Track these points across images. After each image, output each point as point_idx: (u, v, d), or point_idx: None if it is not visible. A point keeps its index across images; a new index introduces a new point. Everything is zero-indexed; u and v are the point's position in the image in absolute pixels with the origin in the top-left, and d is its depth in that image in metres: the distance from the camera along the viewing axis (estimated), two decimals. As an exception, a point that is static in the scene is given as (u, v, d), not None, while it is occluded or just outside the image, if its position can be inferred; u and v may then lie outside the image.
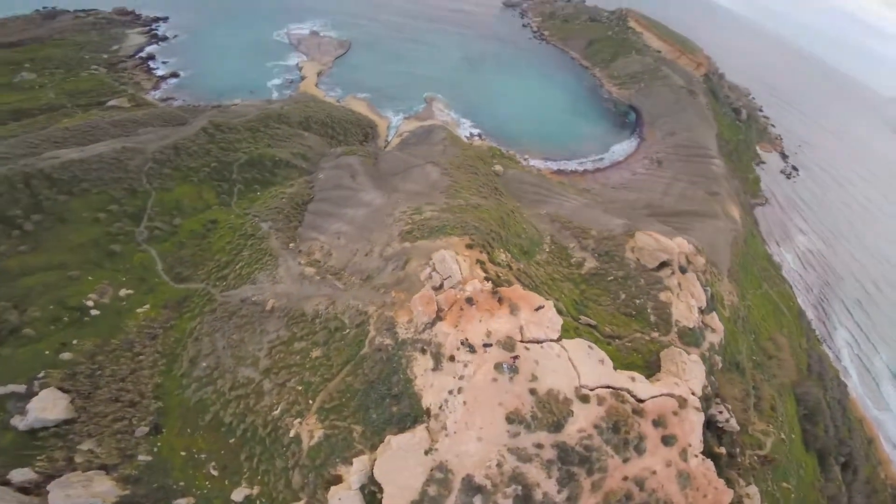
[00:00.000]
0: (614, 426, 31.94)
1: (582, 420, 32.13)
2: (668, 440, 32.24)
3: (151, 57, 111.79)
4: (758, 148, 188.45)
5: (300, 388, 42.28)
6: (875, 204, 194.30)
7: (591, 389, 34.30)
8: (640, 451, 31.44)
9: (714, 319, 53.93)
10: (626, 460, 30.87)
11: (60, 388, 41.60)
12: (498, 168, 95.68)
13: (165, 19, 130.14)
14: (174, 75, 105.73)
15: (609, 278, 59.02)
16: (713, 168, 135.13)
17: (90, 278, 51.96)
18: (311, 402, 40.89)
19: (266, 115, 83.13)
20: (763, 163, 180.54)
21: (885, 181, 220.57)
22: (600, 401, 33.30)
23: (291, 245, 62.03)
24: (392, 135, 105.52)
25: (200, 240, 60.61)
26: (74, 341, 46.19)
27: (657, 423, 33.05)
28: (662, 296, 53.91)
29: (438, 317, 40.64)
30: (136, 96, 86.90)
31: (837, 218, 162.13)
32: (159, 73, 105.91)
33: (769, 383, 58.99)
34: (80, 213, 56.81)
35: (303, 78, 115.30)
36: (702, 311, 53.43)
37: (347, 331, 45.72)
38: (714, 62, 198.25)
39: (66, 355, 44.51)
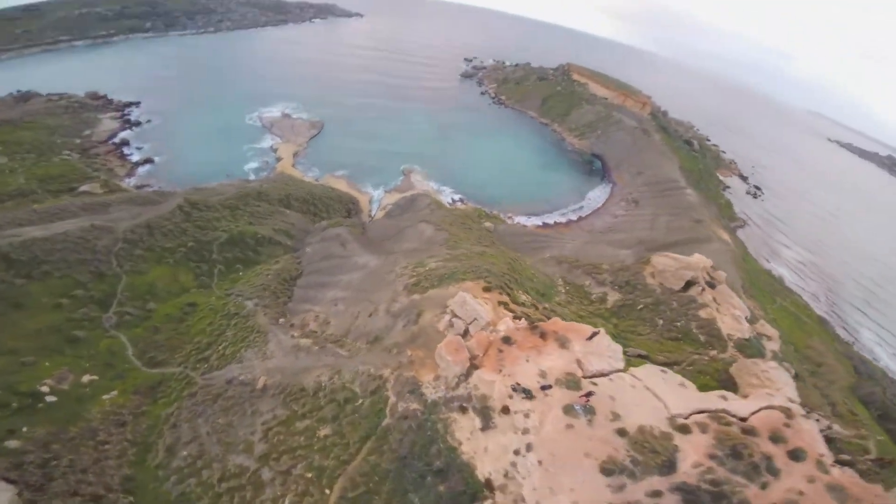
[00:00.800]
0: (733, 452, 25.03)
1: (693, 453, 25.10)
2: (796, 455, 25.35)
3: (125, 143, 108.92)
4: (717, 174, 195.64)
5: (310, 474, 33.90)
6: (839, 207, 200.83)
7: (686, 417, 27.55)
8: (773, 472, 24.38)
9: (765, 327, 48.77)
10: (764, 486, 23.71)
11: (5, 479, 33.41)
12: (488, 225, 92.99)
13: (137, 104, 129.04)
14: (148, 161, 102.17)
15: (639, 307, 53.90)
16: (688, 198, 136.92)
17: (47, 364, 43.63)
18: (327, 490, 32.33)
19: (245, 194, 78.90)
20: (728, 187, 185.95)
21: (837, 184, 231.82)
22: (702, 428, 26.51)
23: (281, 320, 55.38)
24: (375, 209, 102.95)
25: (177, 323, 52.97)
26: (24, 428, 37.59)
27: (775, 440, 26.24)
28: (703, 313, 48.76)
29: (473, 365, 33.82)
30: (108, 182, 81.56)
31: (813, 227, 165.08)
32: (133, 158, 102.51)
33: (831, 388, 52.66)
34: (38, 299, 49.13)
35: (279, 159, 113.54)
36: (749, 321, 48.02)
37: (360, 401, 38.37)
38: (655, 102, 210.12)
39: (12, 443, 36.08)
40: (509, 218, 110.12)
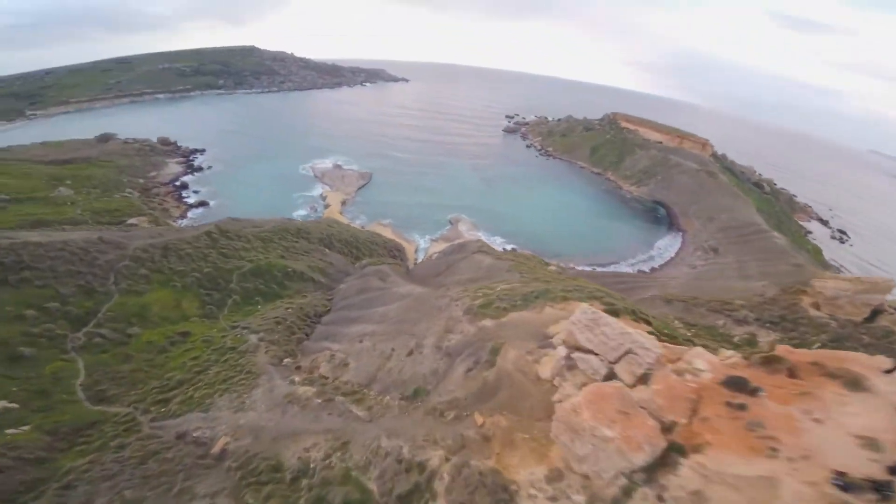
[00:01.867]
0: None
1: None
2: None
3: (185, 186, 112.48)
4: (795, 219, 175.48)
5: None
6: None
7: None
8: None
9: None
10: None
11: None
12: (553, 267, 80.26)
13: (202, 151, 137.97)
14: (203, 204, 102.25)
15: (814, 346, 38.93)
16: (776, 241, 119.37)
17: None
18: None
19: (283, 228, 71.18)
20: (809, 232, 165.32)
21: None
22: None
23: (287, 360, 41.20)
24: (421, 257, 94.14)
25: (156, 354, 41.92)
26: None
27: None
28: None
29: (672, 444, 17.52)
30: (158, 219, 78.61)
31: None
32: (189, 200, 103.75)
33: None
34: (2, 307, 40.66)
35: (327, 206, 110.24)
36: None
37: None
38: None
39: None
40: (571, 268, 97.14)
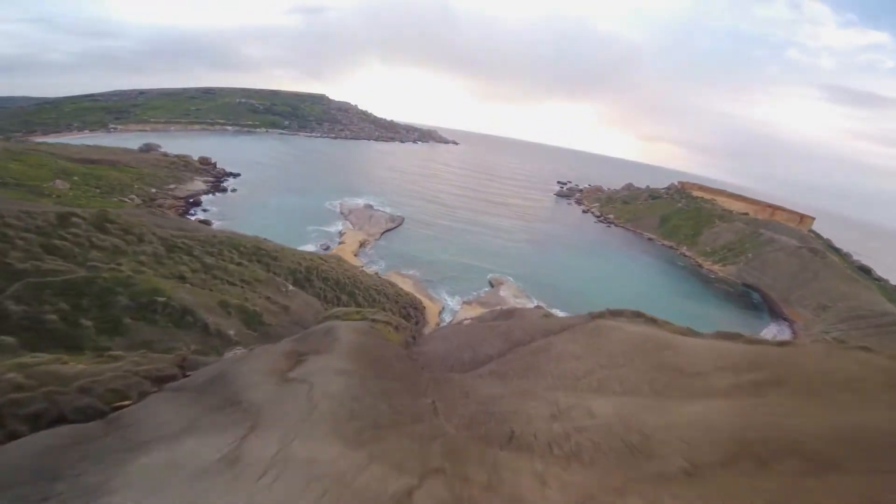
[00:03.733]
0: None
1: None
2: None
3: (198, 203, 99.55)
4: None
5: None
6: None
7: None
8: None
9: None
10: None
11: None
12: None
13: (237, 175, 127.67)
14: (204, 223, 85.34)
15: None
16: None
17: None
18: None
19: (235, 243, 45.53)
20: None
21: None
22: None
23: None
24: (446, 322, 66.78)
25: None
26: None
27: None
28: None
29: None
30: None
31: None
32: (192, 217, 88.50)
33: None
34: None
35: (341, 243, 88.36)
36: None
37: None
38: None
39: None
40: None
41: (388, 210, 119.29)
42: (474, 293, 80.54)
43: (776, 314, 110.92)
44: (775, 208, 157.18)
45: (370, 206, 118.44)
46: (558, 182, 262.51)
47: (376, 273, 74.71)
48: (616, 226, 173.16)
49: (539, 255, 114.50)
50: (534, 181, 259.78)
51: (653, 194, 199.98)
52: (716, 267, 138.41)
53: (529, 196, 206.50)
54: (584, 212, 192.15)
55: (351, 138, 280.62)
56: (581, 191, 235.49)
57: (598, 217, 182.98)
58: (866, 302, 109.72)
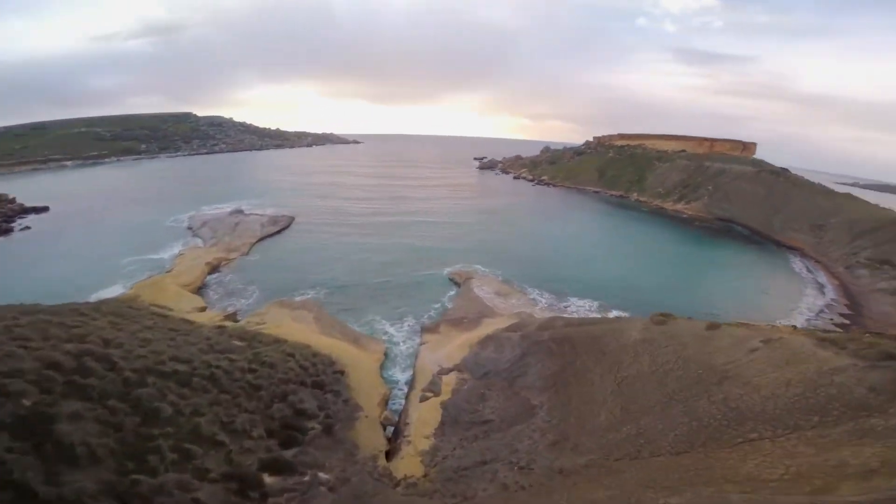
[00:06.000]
0: None
1: None
2: None
3: None
4: None
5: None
6: None
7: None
8: None
9: None
10: None
11: None
12: None
13: (45, 209, 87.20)
14: None
15: None
16: None
17: None
18: None
19: None
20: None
21: None
22: None
23: None
24: (406, 386, 29.78)
25: None
26: None
27: None
28: None
29: None
30: None
31: None
32: None
33: None
34: None
35: (168, 272, 47.69)
36: None
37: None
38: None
39: None
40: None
41: (267, 212, 77.88)
42: (434, 307, 44.76)
43: (777, 245, 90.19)
44: (713, 141, 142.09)
45: (239, 212, 76.04)
46: (475, 158, 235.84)
47: (232, 316, 35.87)
48: (555, 186, 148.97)
49: (498, 230, 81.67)
50: (450, 162, 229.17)
51: (577, 151, 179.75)
52: (680, 206, 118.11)
53: (453, 174, 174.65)
54: (514, 178, 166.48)
55: (228, 151, 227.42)
56: (501, 162, 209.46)
57: (532, 181, 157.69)
58: (862, 212, 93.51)
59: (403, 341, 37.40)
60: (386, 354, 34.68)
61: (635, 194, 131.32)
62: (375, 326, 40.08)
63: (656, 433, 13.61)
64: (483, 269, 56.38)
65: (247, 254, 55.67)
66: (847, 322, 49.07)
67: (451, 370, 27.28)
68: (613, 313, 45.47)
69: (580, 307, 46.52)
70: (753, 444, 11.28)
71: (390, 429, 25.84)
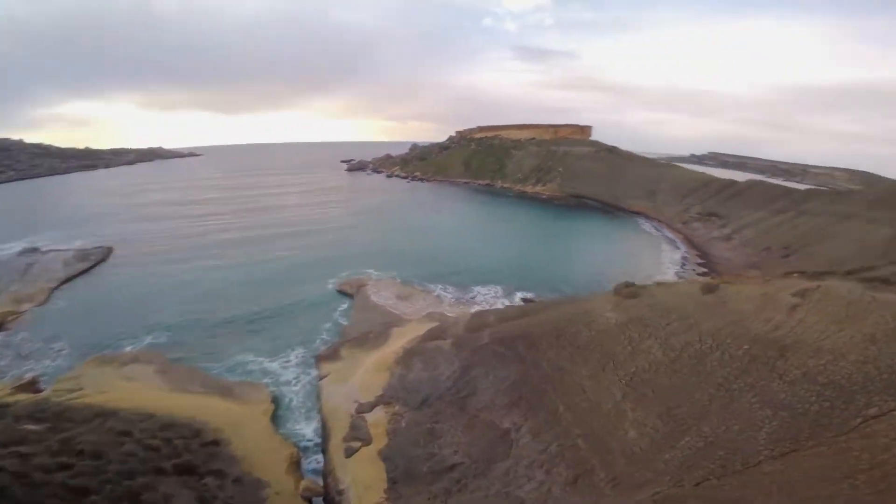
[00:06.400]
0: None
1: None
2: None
3: None
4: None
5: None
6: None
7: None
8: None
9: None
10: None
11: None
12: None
13: None
14: None
15: None
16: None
17: None
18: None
19: None
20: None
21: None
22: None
23: None
24: (320, 439, 22.23)
25: None
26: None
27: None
28: None
29: None
30: None
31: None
32: None
33: None
34: None
35: None
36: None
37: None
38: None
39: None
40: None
41: (74, 245, 58.28)
42: (325, 329, 37.05)
43: (624, 211, 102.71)
44: (557, 127, 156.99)
45: (32, 251, 55.05)
46: (342, 161, 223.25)
47: (30, 386, 23.35)
48: (428, 181, 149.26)
49: (383, 230, 75.77)
50: (316, 167, 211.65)
51: (443, 146, 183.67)
52: (538, 188, 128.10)
53: (320, 178, 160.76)
54: (388, 177, 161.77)
55: (17, 179, 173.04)
56: (371, 162, 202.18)
57: (405, 178, 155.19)
58: (680, 178, 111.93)
59: (296, 380, 29.17)
60: (276, 402, 26.26)
61: (499, 181, 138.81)
62: (251, 368, 30.84)
63: (735, 437, 10.03)
64: (377, 273, 49.98)
65: (45, 302, 39.38)
66: (706, 270, 55.96)
67: (373, 405, 20.80)
68: (519, 294, 43.79)
69: (487, 295, 43.81)
70: (880, 420, 8.26)
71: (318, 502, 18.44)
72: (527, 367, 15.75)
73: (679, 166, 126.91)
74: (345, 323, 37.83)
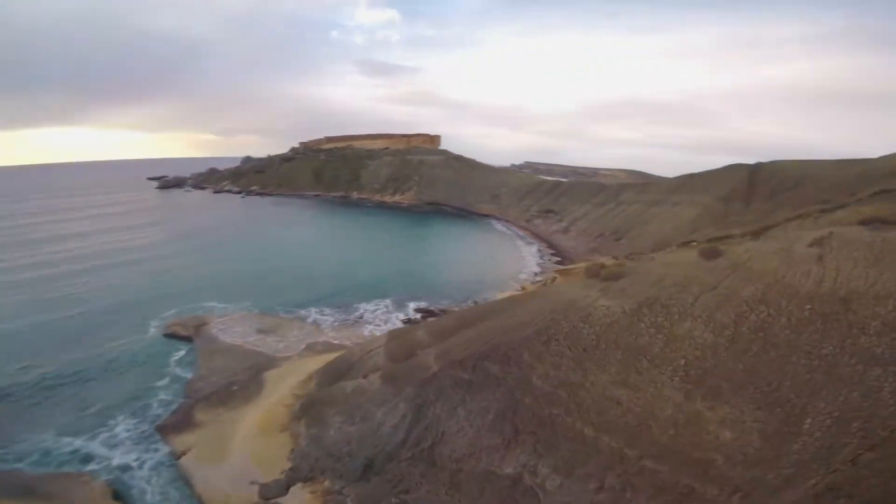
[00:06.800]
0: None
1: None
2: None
3: None
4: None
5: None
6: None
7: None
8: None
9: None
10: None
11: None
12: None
13: None
14: None
15: None
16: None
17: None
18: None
19: None
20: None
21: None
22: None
23: None
24: None
25: None
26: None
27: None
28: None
29: None
30: None
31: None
32: None
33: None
34: None
35: None
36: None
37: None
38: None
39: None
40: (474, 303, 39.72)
41: None
42: (160, 388, 26.86)
43: (478, 215, 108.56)
44: (409, 136, 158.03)
45: None
46: (149, 179, 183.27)
47: None
48: (269, 195, 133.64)
49: (224, 253, 62.76)
50: (113, 187, 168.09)
51: (285, 157, 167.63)
52: (397, 198, 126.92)
53: (121, 199, 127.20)
54: (216, 192, 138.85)
55: None
56: (190, 178, 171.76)
57: (239, 192, 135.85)
58: (517, 181, 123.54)
59: (138, 462, 19.51)
60: (118, 496, 16.65)
61: (355, 192, 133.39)
62: (59, 453, 19.90)
63: (860, 404, 8.10)
64: (223, 306, 39.71)
65: None
66: (559, 259, 61.06)
67: (286, 484, 14.14)
68: (412, 305, 39.90)
69: (376, 311, 38.71)
70: None
71: None
72: (510, 390, 11.97)
73: (515, 172, 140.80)
74: (188, 375, 28.08)
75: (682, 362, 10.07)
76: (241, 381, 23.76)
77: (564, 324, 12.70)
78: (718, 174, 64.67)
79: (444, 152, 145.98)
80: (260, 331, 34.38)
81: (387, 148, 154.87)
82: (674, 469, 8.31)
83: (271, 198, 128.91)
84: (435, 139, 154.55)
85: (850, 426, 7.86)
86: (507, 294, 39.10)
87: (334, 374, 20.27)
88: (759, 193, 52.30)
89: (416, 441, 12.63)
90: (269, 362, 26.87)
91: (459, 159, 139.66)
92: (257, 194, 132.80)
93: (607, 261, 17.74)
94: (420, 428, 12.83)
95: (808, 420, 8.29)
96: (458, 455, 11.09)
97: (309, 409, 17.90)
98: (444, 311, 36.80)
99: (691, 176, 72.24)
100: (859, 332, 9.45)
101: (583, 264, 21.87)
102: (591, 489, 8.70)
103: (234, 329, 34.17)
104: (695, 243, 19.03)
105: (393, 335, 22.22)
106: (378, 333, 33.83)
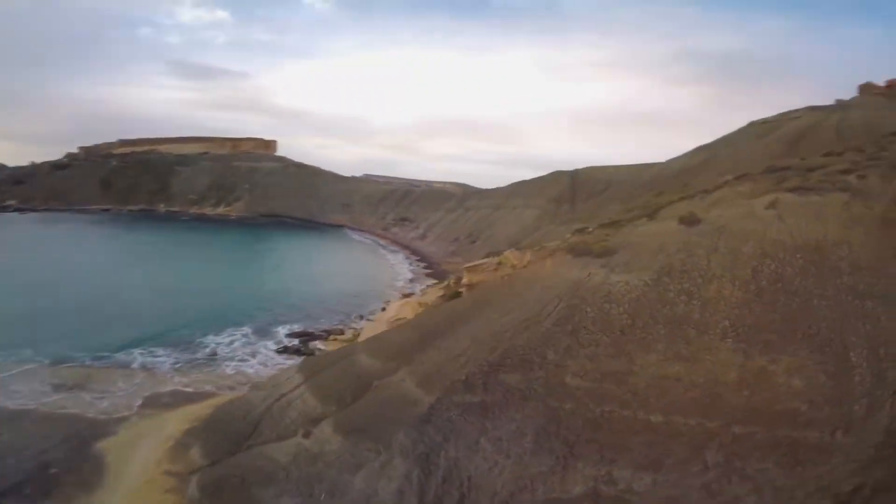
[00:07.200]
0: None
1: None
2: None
3: None
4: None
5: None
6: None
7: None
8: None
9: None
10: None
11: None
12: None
13: None
14: None
15: None
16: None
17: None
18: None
19: None
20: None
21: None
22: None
23: None
24: None
25: None
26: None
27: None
28: None
29: None
30: None
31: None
32: None
33: None
34: None
35: None
36: None
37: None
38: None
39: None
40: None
41: None
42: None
43: (329, 226, 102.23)
44: (236, 141, 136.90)
45: None
46: None
47: None
48: (33, 210, 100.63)
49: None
50: None
51: (58, 165, 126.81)
52: (221, 210, 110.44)
53: None
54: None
55: None
56: None
57: None
58: (369, 190, 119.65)
59: None
60: None
61: (163, 205, 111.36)
62: None
63: (880, 337, 8.71)
64: (35, 360, 26.65)
65: None
66: (426, 264, 61.86)
67: None
68: (282, 330, 34.03)
69: (233, 344, 31.63)
70: None
71: None
72: (543, 400, 9.61)
73: (366, 180, 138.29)
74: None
75: (727, 323, 10.46)
76: (60, 461, 15.75)
77: (588, 308, 11.85)
78: (545, 181, 75.81)
79: (282, 159, 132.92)
80: (59, 387, 24.17)
81: (206, 153, 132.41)
82: (766, 427, 8.42)
83: (37, 214, 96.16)
84: (270, 144, 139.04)
85: (879, 353, 9.39)
86: (397, 304, 36.99)
87: (231, 434, 14.70)
88: (580, 195, 63.24)
89: (436, 503, 9.57)
90: (96, 428, 18.75)
91: (301, 167, 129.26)
92: (15, 210, 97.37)
93: (589, 237, 17.57)
94: (436, 483, 9.71)
95: (852, 353, 9.57)
96: (505, 496, 8.88)
97: (218, 494, 12.35)
98: (328, 333, 32.50)
99: (522, 183, 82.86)
100: (840, 273, 11.51)
101: (530, 252, 21.19)
102: (696, 471, 8.11)
103: (14, 389, 23.25)
104: (590, 230, 21.20)
105: (311, 368, 17.29)
106: (250, 371, 27.73)
